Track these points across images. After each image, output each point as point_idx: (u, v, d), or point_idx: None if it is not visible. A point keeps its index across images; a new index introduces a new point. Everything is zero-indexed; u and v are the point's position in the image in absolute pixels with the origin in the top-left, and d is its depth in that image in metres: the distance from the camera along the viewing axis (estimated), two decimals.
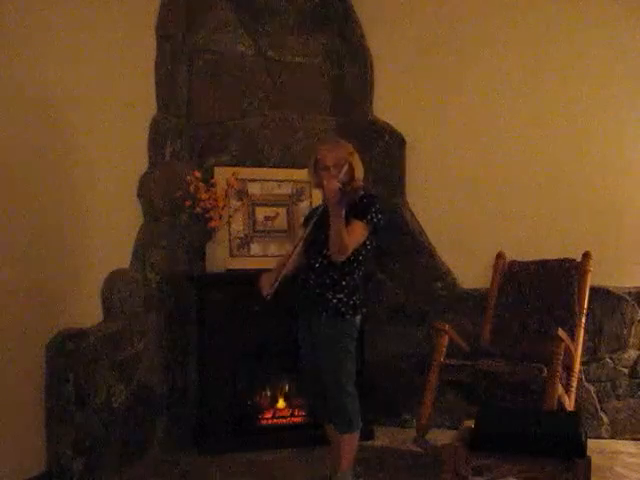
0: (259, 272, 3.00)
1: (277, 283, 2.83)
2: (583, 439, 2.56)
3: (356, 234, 2.84)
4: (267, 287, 2.86)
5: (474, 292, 4.13)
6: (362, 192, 2.85)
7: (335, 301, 2.88)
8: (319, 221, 2.85)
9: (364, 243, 2.90)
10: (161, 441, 3.75)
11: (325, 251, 2.86)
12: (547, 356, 3.30)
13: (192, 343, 3.91)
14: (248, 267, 3.82)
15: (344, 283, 2.90)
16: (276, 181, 4.06)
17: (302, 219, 3.44)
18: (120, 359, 3.41)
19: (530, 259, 3.97)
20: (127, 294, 3.49)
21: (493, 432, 2.65)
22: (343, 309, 2.88)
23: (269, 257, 3.86)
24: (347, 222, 2.79)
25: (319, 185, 3.01)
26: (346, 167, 2.88)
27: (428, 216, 4.21)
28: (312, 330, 2.95)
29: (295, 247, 2.91)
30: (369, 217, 2.86)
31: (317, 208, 3.10)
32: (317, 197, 3.80)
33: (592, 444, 2.91)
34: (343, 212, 2.72)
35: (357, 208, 2.82)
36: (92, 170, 3.30)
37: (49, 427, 3.02)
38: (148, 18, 3.78)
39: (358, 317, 2.95)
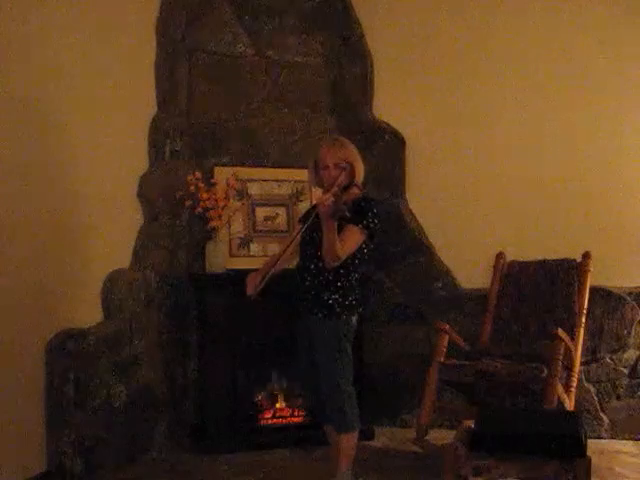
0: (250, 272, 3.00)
1: (263, 284, 2.85)
2: (583, 439, 2.56)
3: (351, 240, 2.81)
4: (251, 288, 2.90)
5: (474, 292, 4.13)
6: (360, 196, 2.84)
7: (331, 302, 2.87)
8: (315, 221, 2.84)
9: (360, 247, 2.88)
10: (161, 441, 3.75)
11: (319, 253, 2.85)
12: (547, 356, 3.30)
13: (192, 343, 3.91)
14: (248, 267, 3.81)
15: (339, 284, 2.88)
16: (276, 181, 4.06)
17: (299, 218, 3.40)
18: (120, 359, 3.41)
19: (530, 259, 3.97)
20: (127, 294, 3.50)
21: (493, 432, 2.64)
22: (339, 309, 2.88)
23: (269, 257, 3.85)
24: (343, 226, 2.77)
25: (318, 185, 3.00)
26: (347, 169, 2.86)
27: (428, 216, 4.21)
28: (309, 330, 2.95)
29: (286, 248, 2.92)
30: (365, 222, 2.83)
31: (315, 207, 3.08)
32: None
33: (592, 444, 2.91)
34: (335, 225, 2.70)
35: (354, 213, 2.80)
36: (92, 170, 3.30)
37: (49, 427, 3.02)
38: (148, 18, 3.78)
39: (354, 317, 2.94)
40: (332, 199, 2.66)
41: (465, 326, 4.01)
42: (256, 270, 3.00)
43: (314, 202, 3.38)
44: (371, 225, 2.85)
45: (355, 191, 2.87)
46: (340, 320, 2.88)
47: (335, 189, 2.75)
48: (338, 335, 2.89)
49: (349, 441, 2.94)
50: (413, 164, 4.22)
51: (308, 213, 3.12)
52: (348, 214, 2.70)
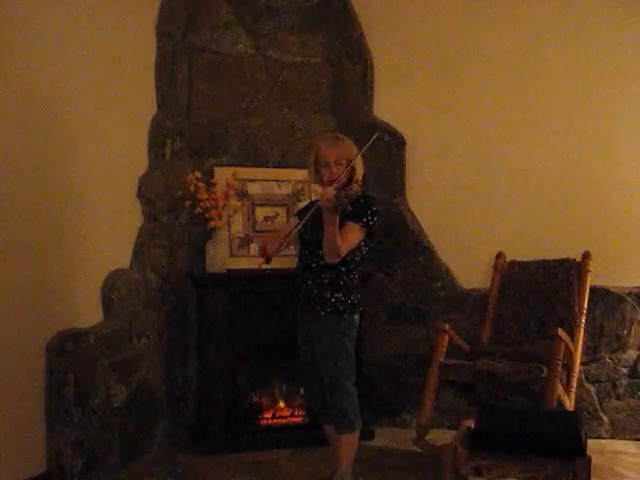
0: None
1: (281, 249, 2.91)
2: (583, 439, 2.56)
3: (351, 237, 2.82)
4: (273, 250, 2.91)
5: (474, 292, 4.13)
6: (359, 192, 2.84)
7: (333, 300, 2.88)
8: (315, 220, 2.83)
9: (360, 245, 2.89)
10: (161, 441, 3.75)
11: (321, 251, 2.85)
12: (547, 356, 3.30)
13: (192, 343, 3.91)
14: (248, 267, 3.82)
15: (342, 282, 2.89)
16: (276, 181, 4.06)
17: (296, 212, 3.35)
18: (120, 359, 3.41)
19: (530, 259, 3.97)
20: (127, 294, 3.50)
21: (493, 432, 2.64)
22: (341, 308, 2.88)
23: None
24: (343, 223, 2.78)
25: (318, 182, 3.00)
26: (348, 166, 2.85)
27: (428, 216, 4.20)
28: (310, 329, 2.95)
29: (290, 232, 2.90)
30: (365, 220, 2.84)
31: (315, 202, 3.05)
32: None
33: (592, 444, 2.92)
34: (337, 219, 2.70)
35: (354, 209, 2.79)
36: (92, 170, 3.30)
37: (49, 427, 3.02)
38: (148, 18, 3.78)
39: (356, 316, 2.95)
40: (334, 193, 2.66)
41: (465, 326, 4.01)
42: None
43: (313, 198, 3.38)
44: (370, 222, 2.86)
45: (355, 188, 2.87)
46: (342, 318, 2.89)
47: (337, 184, 2.76)
48: (341, 334, 2.89)
49: (350, 441, 2.94)
50: (413, 164, 4.22)
51: (306, 208, 3.12)
52: (350, 207, 2.70)
